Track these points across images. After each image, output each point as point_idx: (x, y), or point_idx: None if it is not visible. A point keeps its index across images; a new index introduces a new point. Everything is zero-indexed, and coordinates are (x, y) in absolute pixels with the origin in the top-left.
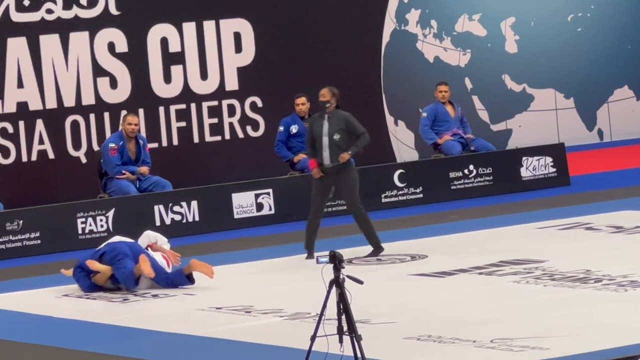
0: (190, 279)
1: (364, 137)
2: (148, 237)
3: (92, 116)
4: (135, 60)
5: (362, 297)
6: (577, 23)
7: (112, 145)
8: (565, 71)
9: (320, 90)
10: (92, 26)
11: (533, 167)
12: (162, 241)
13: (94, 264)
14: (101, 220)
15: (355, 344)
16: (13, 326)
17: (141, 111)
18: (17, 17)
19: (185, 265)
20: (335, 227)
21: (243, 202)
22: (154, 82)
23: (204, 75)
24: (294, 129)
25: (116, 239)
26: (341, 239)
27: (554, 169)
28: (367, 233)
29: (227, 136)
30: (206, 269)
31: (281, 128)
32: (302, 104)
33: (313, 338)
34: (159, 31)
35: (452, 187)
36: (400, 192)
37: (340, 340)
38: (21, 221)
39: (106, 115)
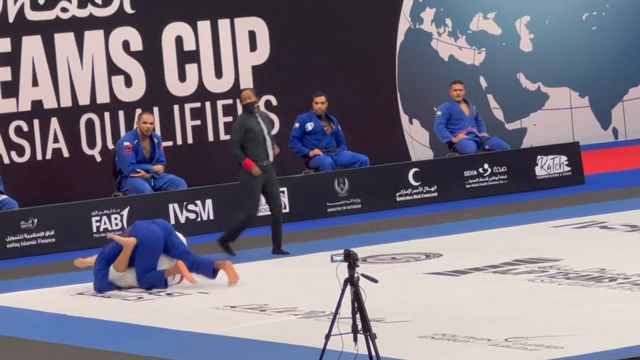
0: (214, 273)
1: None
2: None
3: (106, 114)
4: (150, 58)
5: (376, 295)
6: (592, 22)
7: (126, 143)
8: (580, 70)
9: (244, 93)
10: (107, 25)
11: (548, 166)
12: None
13: (119, 238)
14: (116, 218)
15: (370, 342)
16: (27, 324)
17: (156, 110)
18: (32, 15)
19: (216, 260)
20: (349, 225)
21: None
22: (168, 81)
23: (218, 73)
24: (309, 126)
25: (145, 226)
26: (355, 237)
27: (569, 168)
28: (279, 233)
29: None
30: (233, 276)
31: (297, 124)
32: (321, 102)
33: (327, 337)
34: (174, 30)
35: (467, 186)
36: (415, 191)
37: (355, 339)
38: (36, 219)
39: (121, 113)
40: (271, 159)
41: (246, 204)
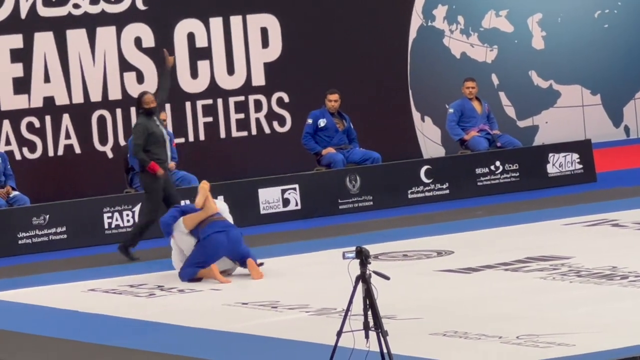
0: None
1: None
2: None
3: (118, 111)
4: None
5: (388, 292)
6: (604, 19)
7: None
8: (591, 67)
9: (147, 97)
10: (119, 21)
11: (559, 164)
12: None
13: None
14: (127, 215)
15: (382, 339)
16: (39, 321)
17: (168, 106)
18: (44, 11)
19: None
20: (360, 222)
21: (269, 198)
22: (180, 78)
23: (230, 70)
24: (322, 122)
25: (215, 233)
26: (366, 234)
27: (581, 166)
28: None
29: (254, 131)
30: (255, 274)
31: (309, 121)
32: (334, 100)
33: (339, 334)
34: (186, 26)
35: (479, 183)
36: (427, 188)
37: (367, 336)
38: (47, 216)
39: (132, 110)
40: (170, 160)
41: (147, 208)
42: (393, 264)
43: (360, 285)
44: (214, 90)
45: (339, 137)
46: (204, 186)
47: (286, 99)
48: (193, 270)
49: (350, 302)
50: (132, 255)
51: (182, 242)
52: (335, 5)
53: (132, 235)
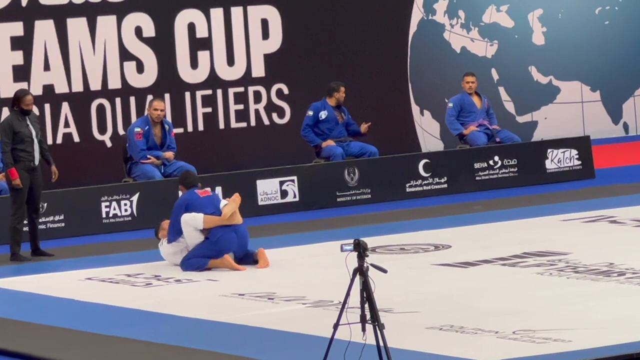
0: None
1: None
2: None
3: (118, 100)
4: (162, 45)
5: (385, 285)
6: (605, 16)
7: (137, 129)
8: (591, 64)
9: (28, 98)
10: (120, 10)
11: (558, 160)
12: None
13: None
14: (125, 204)
15: (378, 332)
16: (36, 309)
17: (167, 96)
18: None
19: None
20: (358, 215)
21: (267, 189)
22: (180, 68)
23: (230, 61)
24: (323, 114)
25: (227, 233)
26: (364, 227)
27: (579, 162)
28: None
29: (253, 123)
30: (263, 261)
31: (310, 112)
32: (343, 92)
33: (336, 326)
34: (187, 16)
35: (477, 178)
36: (425, 182)
37: (363, 329)
38: (45, 204)
39: (132, 99)
40: (36, 162)
41: (12, 207)
42: (390, 257)
43: (357, 278)
44: (213, 80)
45: (339, 129)
46: (237, 200)
47: (285, 90)
48: (203, 260)
49: (347, 294)
50: (23, 257)
51: (189, 236)
52: None
53: (11, 245)
